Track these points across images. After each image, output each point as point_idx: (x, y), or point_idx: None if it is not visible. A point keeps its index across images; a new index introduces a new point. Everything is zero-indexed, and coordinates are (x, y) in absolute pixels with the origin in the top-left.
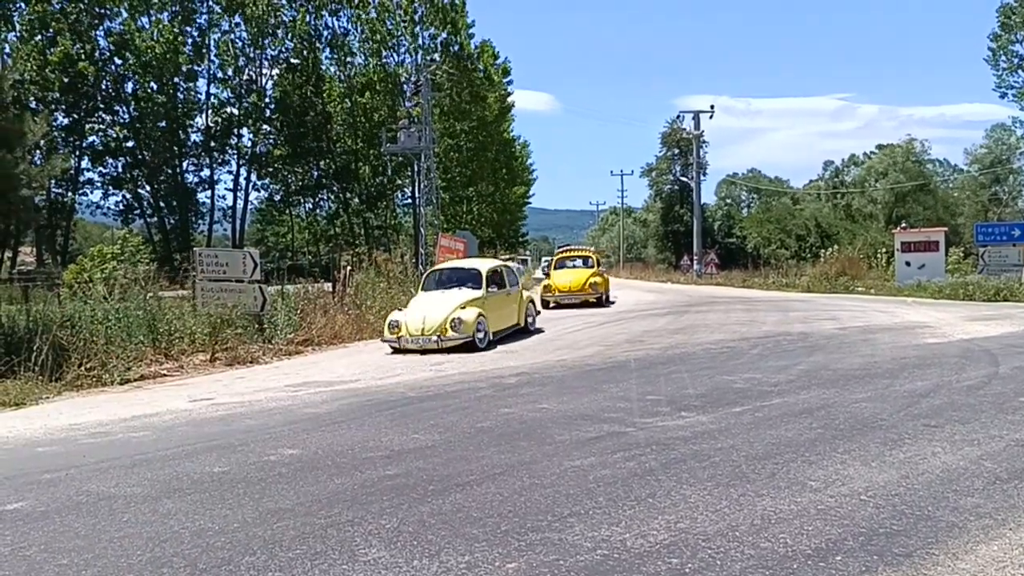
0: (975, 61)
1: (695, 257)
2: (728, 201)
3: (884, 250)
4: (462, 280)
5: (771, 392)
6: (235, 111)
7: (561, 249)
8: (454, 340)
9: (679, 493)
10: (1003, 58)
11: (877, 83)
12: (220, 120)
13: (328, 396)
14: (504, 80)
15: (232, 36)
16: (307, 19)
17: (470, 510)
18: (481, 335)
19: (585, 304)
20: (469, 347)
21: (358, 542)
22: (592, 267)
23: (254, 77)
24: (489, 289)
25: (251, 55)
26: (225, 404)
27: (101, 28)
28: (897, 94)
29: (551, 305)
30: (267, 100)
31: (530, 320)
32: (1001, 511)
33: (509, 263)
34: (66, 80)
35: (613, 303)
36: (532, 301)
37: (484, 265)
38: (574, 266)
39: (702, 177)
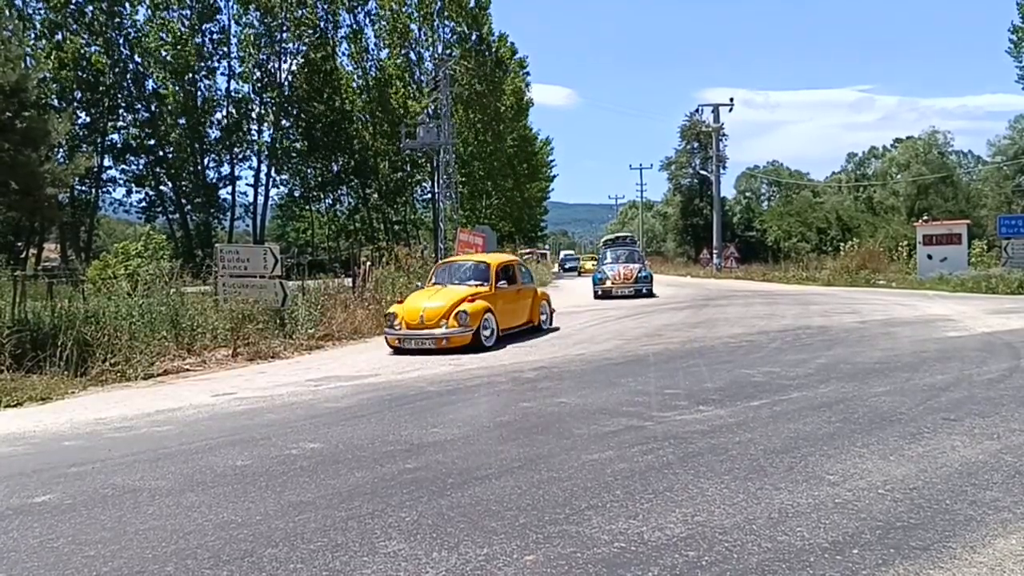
0: (997, 51)
1: (715, 251)
2: (748, 194)
3: (906, 243)
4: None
5: (790, 386)
6: (253, 106)
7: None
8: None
9: (696, 486)
10: None
11: (897, 74)
12: (239, 115)
13: (348, 390)
14: (521, 72)
15: (250, 31)
16: (324, 13)
17: (488, 503)
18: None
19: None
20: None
21: (378, 534)
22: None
23: (272, 72)
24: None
25: (269, 49)
26: (247, 398)
27: (118, 27)
28: (918, 85)
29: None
30: (285, 94)
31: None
32: (1020, 504)
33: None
34: (86, 79)
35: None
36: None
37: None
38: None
39: (722, 170)
